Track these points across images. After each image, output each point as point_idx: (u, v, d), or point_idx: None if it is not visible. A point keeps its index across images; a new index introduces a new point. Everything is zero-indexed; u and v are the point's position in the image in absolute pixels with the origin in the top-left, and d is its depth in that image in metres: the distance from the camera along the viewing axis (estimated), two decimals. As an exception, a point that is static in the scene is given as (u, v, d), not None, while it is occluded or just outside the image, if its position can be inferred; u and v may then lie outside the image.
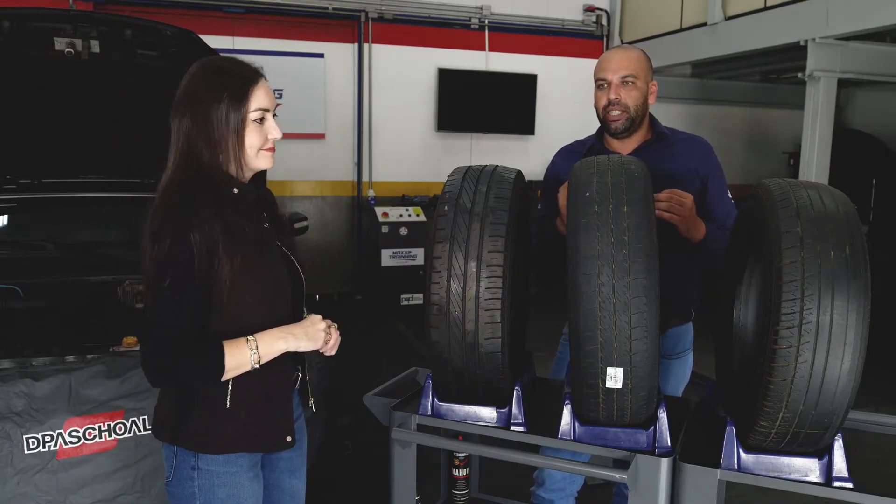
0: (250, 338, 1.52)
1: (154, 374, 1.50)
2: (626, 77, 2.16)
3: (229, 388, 1.55)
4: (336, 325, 1.70)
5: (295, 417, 1.76)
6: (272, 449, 1.68)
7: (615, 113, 2.17)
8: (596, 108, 2.24)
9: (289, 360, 1.66)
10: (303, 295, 1.73)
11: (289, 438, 1.67)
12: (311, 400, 1.79)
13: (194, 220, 1.46)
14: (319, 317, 1.66)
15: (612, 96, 2.16)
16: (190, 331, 1.47)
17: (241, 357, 1.50)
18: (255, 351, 1.51)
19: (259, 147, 1.59)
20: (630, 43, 7.70)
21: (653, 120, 2.29)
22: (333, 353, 1.70)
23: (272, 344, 1.55)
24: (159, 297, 1.45)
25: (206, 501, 1.57)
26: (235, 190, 1.56)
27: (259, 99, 1.56)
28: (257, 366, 1.52)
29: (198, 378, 1.52)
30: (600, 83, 2.20)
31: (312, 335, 1.61)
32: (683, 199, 2.02)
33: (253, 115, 1.56)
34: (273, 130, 1.60)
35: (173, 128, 1.55)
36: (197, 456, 1.57)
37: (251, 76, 1.57)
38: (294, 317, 1.66)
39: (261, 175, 1.73)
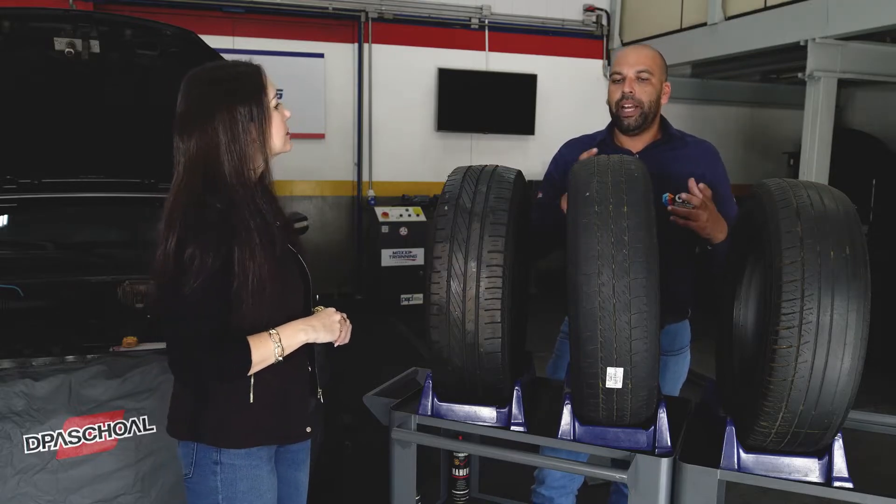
0: (273, 331, 1.56)
1: (183, 372, 1.54)
2: (641, 72, 2.16)
3: (252, 382, 1.58)
4: (346, 316, 1.75)
5: None
6: (292, 440, 1.72)
7: (628, 109, 2.17)
8: (609, 102, 2.23)
9: (304, 353, 1.69)
10: (311, 290, 1.76)
11: (308, 429, 1.72)
12: (320, 392, 1.82)
13: (227, 228, 1.49)
14: (333, 309, 1.71)
15: (627, 90, 2.16)
16: (218, 328, 1.50)
17: (265, 351, 1.54)
18: (279, 344, 1.56)
19: (284, 132, 1.65)
20: (630, 43, 7.71)
21: (664, 121, 2.28)
22: (346, 341, 1.74)
23: (294, 336, 1.59)
24: (188, 296, 1.46)
25: (227, 495, 1.60)
26: (257, 190, 1.59)
27: (272, 86, 1.62)
28: (281, 358, 1.56)
29: (226, 373, 1.54)
30: (616, 77, 2.20)
31: (329, 326, 1.66)
32: (707, 195, 1.99)
33: (273, 103, 1.61)
34: (286, 111, 1.66)
35: (183, 145, 1.55)
36: (219, 451, 1.59)
37: (255, 69, 1.61)
38: (305, 312, 1.70)
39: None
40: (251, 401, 1.58)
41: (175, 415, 1.67)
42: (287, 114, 1.66)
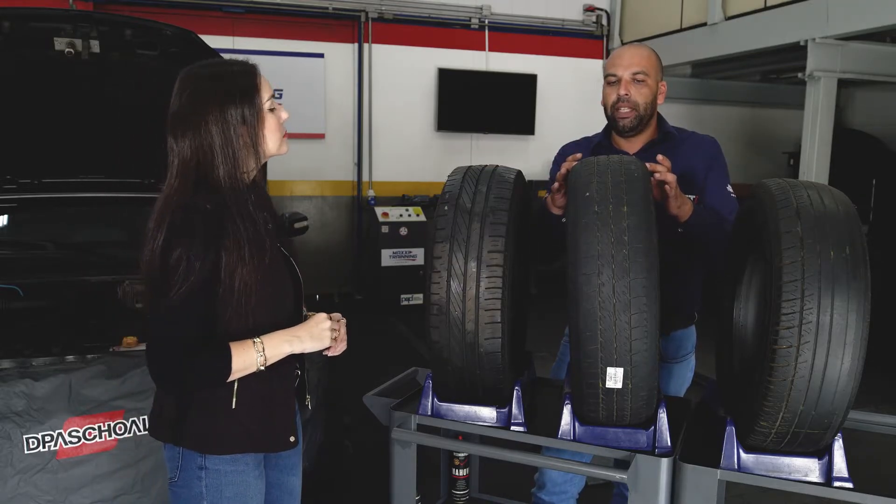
0: (257, 340, 1.52)
1: (162, 378, 1.50)
2: (636, 73, 2.12)
3: (235, 388, 1.55)
4: (342, 320, 1.69)
5: None
6: (276, 449, 1.67)
7: (624, 110, 2.14)
8: (604, 104, 2.20)
9: (291, 361, 1.66)
10: (302, 294, 1.73)
11: (292, 438, 1.68)
12: (308, 398, 1.79)
13: (216, 233, 1.46)
14: (324, 315, 1.64)
15: (622, 92, 2.13)
16: (199, 334, 1.47)
17: (247, 359, 1.50)
18: (262, 353, 1.52)
19: (280, 135, 1.62)
20: (629, 43, 7.71)
21: (660, 119, 2.25)
22: (339, 352, 1.70)
23: (278, 346, 1.55)
24: (171, 301, 1.44)
25: (213, 501, 1.57)
26: (250, 194, 1.56)
27: (267, 88, 1.58)
28: (263, 368, 1.53)
29: (205, 380, 1.51)
30: (610, 78, 2.17)
31: (317, 335, 1.61)
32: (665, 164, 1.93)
33: (267, 105, 1.58)
34: (283, 113, 1.62)
35: (176, 145, 1.52)
36: (204, 456, 1.56)
37: (251, 69, 1.58)
38: (295, 316, 1.66)
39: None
40: (234, 407, 1.55)
41: (157, 417, 1.64)
42: (284, 115, 1.62)
